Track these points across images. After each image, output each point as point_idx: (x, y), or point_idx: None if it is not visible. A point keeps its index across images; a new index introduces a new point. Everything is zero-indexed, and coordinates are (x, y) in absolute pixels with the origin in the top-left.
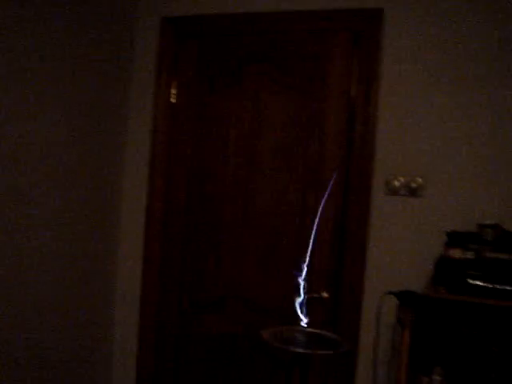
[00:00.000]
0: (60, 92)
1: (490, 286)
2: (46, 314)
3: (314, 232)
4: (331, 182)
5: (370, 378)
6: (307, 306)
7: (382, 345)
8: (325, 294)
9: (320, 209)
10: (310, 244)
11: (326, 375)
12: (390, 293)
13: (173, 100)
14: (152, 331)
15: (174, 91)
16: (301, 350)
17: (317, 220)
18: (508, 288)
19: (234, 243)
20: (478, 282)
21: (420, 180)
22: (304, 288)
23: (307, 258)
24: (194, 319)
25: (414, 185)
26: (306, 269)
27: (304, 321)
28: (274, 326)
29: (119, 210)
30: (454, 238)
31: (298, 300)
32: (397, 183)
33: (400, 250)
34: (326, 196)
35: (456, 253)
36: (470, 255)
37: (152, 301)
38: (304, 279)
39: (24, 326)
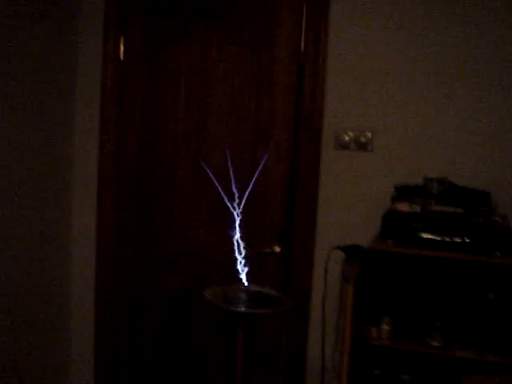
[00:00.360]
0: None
1: (436, 239)
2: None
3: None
4: (263, 162)
5: (321, 329)
6: (258, 260)
7: (333, 298)
8: (277, 249)
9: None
10: (244, 197)
11: (280, 327)
12: (337, 247)
13: (121, 57)
14: (108, 289)
15: (122, 48)
16: (242, 310)
17: (256, 174)
18: (452, 240)
19: (187, 200)
20: (424, 235)
21: (369, 134)
22: (248, 243)
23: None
24: (149, 277)
25: (363, 139)
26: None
27: (243, 277)
28: (217, 285)
29: (71, 170)
30: (402, 192)
31: (240, 256)
32: (346, 138)
33: (350, 205)
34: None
35: (403, 206)
36: (416, 209)
37: (107, 260)
38: (250, 234)
39: None
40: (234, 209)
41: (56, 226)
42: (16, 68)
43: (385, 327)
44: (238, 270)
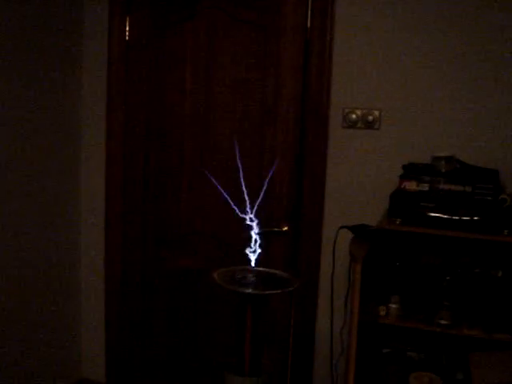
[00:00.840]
0: (8, 35)
1: (444, 217)
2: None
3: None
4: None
5: (329, 308)
6: (268, 240)
7: (341, 277)
8: (285, 228)
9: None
10: (267, 180)
11: (289, 306)
12: (345, 227)
13: (127, 37)
14: (117, 271)
15: (127, 28)
16: (250, 291)
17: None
18: (460, 218)
19: (195, 179)
20: (432, 213)
21: (377, 113)
22: (258, 223)
23: (262, 193)
24: (158, 257)
25: (370, 118)
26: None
27: (252, 257)
28: (226, 267)
29: (79, 152)
30: (409, 171)
31: (249, 236)
32: (354, 116)
33: (358, 183)
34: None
35: (411, 185)
36: (424, 187)
37: (116, 240)
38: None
39: None
40: (244, 189)
41: (64, 209)
42: (20, 54)
43: (393, 306)
44: (245, 249)
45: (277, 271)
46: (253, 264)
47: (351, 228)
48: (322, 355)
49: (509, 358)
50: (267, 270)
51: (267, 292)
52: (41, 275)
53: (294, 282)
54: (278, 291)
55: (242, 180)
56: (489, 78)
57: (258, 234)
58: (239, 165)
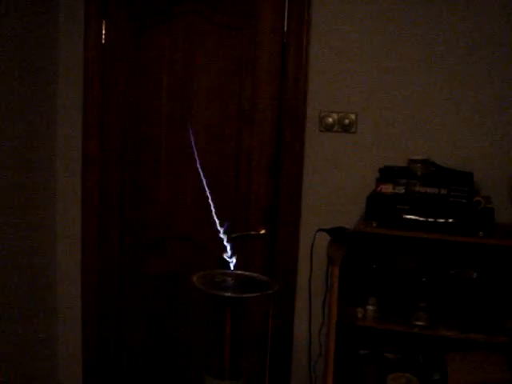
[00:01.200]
0: None
1: (420, 219)
2: None
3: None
4: None
5: (308, 311)
6: (245, 243)
7: (318, 279)
8: (262, 231)
9: None
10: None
11: (267, 309)
12: (323, 230)
13: (103, 40)
14: (94, 274)
15: (103, 31)
16: (229, 294)
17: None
18: (436, 220)
19: (172, 184)
20: (408, 216)
21: (353, 116)
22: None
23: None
24: (135, 260)
25: (347, 121)
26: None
27: (229, 259)
28: (204, 270)
29: (54, 154)
30: (386, 174)
31: (224, 238)
32: (330, 120)
33: (335, 187)
34: None
35: (387, 188)
36: (400, 190)
37: (93, 244)
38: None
39: None
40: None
41: (40, 214)
42: None
43: (370, 308)
44: (223, 252)
45: (255, 274)
46: (231, 268)
47: (329, 231)
48: (299, 357)
49: (484, 358)
50: (246, 273)
51: (246, 295)
52: (15, 281)
53: (273, 285)
54: (257, 294)
55: (206, 188)
56: (464, 81)
57: (235, 237)
58: (200, 171)
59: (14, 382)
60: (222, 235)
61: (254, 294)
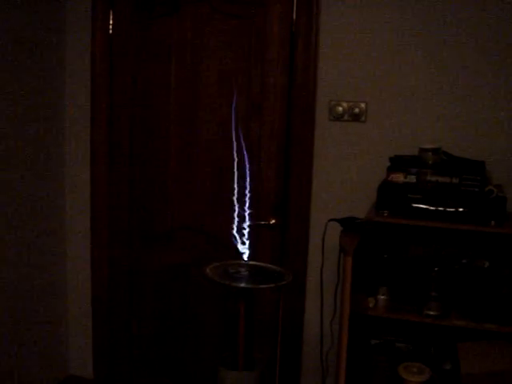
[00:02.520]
0: None
1: (431, 209)
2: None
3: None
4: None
5: (319, 301)
6: (256, 233)
7: (329, 269)
8: (273, 221)
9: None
10: (247, 172)
11: (278, 299)
12: (333, 220)
13: (110, 31)
14: (104, 266)
15: (111, 22)
16: (243, 285)
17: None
18: (448, 210)
19: (181, 175)
20: (419, 205)
21: (363, 105)
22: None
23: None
24: (145, 252)
25: (357, 110)
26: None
27: (242, 250)
28: (218, 261)
29: (63, 149)
30: (397, 163)
31: (236, 229)
32: (340, 109)
33: (345, 176)
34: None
35: (398, 177)
36: (411, 179)
37: (103, 236)
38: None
39: None
40: (232, 183)
41: (49, 208)
42: (2, 46)
43: (381, 297)
44: (234, 243)
45: (269, 265)
46: (245, 258)
47: (340, 221)
48: (310, 347)
49: (496, 348)
50: (259, 263)
51: (261, 286)
52: (26, 274)
53: (286, 276)
54: (272, 285)
55: (235, 172)
56: (475, 70)
57: (247, 227)
58: (234, 157)
59: (26, 374)
60: (239, 225)
61: (269, 285)
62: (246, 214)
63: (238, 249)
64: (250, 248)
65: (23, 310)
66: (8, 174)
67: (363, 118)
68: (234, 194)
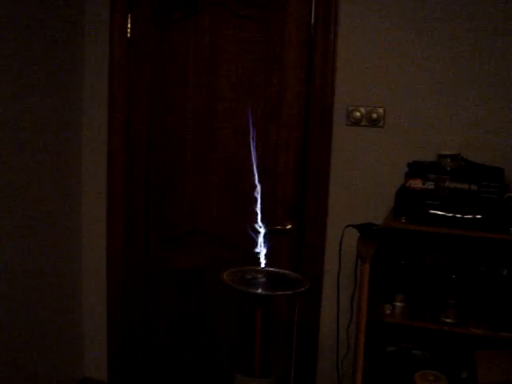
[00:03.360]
0: (11, 33)
1: (449, 215)
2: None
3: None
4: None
5: (335, 308)
6: (271, 238)
7: (346, 275)
8: (289, 226)
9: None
10: (255, 175)
11: (293, 304)
12: (350, 225)
13: (129, 34)
14: (120, 269)
15: (129, 25)
16: (261, 292)
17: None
18: (466, 217)
19: (197, 178)
20: (438, 212)
21: (381, 110)
22: (263, 221)
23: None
24: (160, 255)
25: (374, 115)
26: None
27: (258, 254)
28: (235, 266)
29: (81, 150)
30: (415, 169)
31: (252, 233)
32: (358, 114)
33: (362, 181)
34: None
35: (416, 183)
36: (429, 185)
37: (118, 239)
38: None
39: None
40: (249, 187)
41: (65, 209)
42: (24, 52)
43: (398, 304)
44: (249, 248)
45: (286, 271)
46: (262, 264)
47: (357, 227)
48: (325, 353)
49: None
50: (276, 269)
51: (278, 293)
52: (42, 275)
53: (303, 282)
54: (289, 292)
55: (256, 177)
56: (494, 75)
57: (263, 232)
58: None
59: (42, 376)
60: (255, 229)
61: (286, 292)
62: (262, 218)
63: (253, 253)
64: (265, 253)
65: (39, 312)
66: (25, 176)
67: (381, 124)
68: (249, 199)
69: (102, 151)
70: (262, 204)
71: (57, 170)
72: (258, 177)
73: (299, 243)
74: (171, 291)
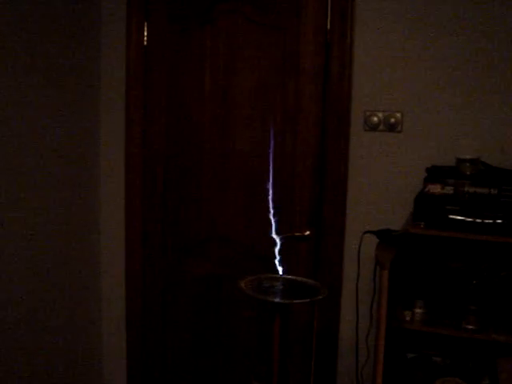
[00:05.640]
0: (26, 44)
1: (469, 220)
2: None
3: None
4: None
5: (354, 315)
6: (289, 245)
7: (365, 282)
8: (307, 232)
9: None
10: (270, 182)
11: (312, 311)
12: (369, 232)
13: (145, 42)
14: (138, 278)
15: (145, 33)
16: (278, 300)
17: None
18: (486, 221)
19: (214, 185)
20: (457, 217)
21: (399, 115)
22: (281, 228)
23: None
24: (179, 263)
25: (392, 120)
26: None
27: (276, 261)
28: (252, 274)
29: (98, 156)
30: (434, 174)
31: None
32: (375, 119)
33: (380, 187)
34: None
35: (435, 188)
36: (448, 190)
37: (136, 248)
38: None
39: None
40: (266, 194)
41: (84, 218)
42: (38, 58)
43: (418, 311)
44: (268, 254)
45: (304, 279)
46: (280, 272)
47: (376, 233)
48: (345, 361)
49: None
50: (294, 277)
51: (296, 301)
52: (62, 284)
53: (321, 290)
54: (307, 300)
55: (269, 183)
56: None
57: (281, 239)
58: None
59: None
60: (273, 236)
61: (304, 301)
62: (280, 225)
63: (271, 260)
64: (283, 259)
65: (58, 320)
66: (44, 184)
67: (399, 128)
68: (267, 206)
69: (120, 158)
70: (280, 211)
71: (75, 178)
72: (276, 183)
73: (317, 250)
74: (190, 299)
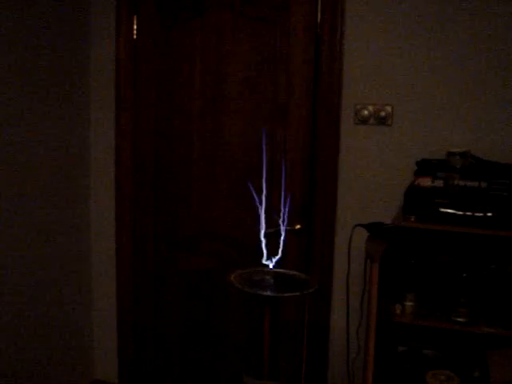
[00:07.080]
0: (15, 36)
1: (459, 213)
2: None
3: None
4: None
5: (344, 308)
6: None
7: (355, 275)
8: (298, 226)
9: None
10: (264, 175)
11: (303, 305)
12: (359, 225)
13: (134, 36)
14: (129, 272)
15: (135, 27)
16: (268, 294)
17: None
18: (476, 215)
19: (205, 180)
20: (447, 210)
21: (389, 109)
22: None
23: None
24: (170, 258)
25: (383, 113)
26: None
27: (266, 255)
28: (242, 268)
29: (88, 151)
30: (424, 167)
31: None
32: (366, 112)
33: (371, 180)
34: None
35: (425, 181)
36: (438, 183)
37: (127, 243)
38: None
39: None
40: (257, 188)
41: (74, 213)
42: (29, 52)
43: (408, 304)
44: (258, 248)
45: (295, 272)
46: (270, 265)
47: (366, 226)
48: (336, 354)
49: None
50: (284, 271)
51: (286, 294)
52: (53, 279)
53: (312, 283)
54: (297, 293)
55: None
56: (503, 72)
57: (272, 233)
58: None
59: (52, 379)
60: (263, 230)
61: (294, 294)
62: (271, 219)
63: (262, 254)
64: (273, 254)
65: (50, 316)
66: (34, 184)
67: (389, 122)
68: (258, 200)
69: (110, 155)
70: (270, 205)
71: (65, 174)
72: (266, 177)
73: (308, 243)
74: (180, 293)
